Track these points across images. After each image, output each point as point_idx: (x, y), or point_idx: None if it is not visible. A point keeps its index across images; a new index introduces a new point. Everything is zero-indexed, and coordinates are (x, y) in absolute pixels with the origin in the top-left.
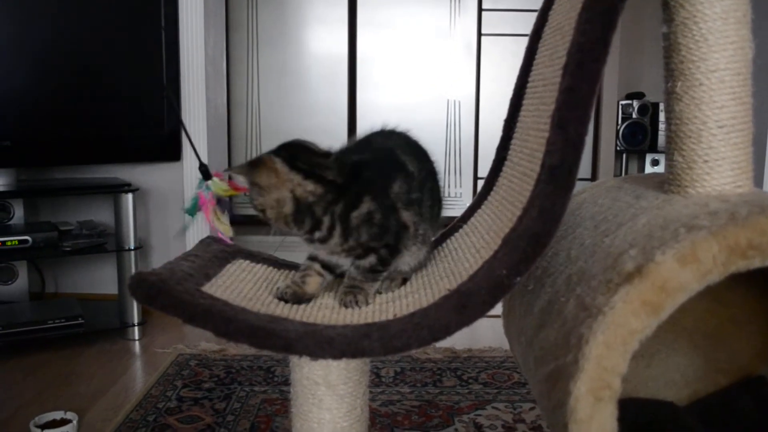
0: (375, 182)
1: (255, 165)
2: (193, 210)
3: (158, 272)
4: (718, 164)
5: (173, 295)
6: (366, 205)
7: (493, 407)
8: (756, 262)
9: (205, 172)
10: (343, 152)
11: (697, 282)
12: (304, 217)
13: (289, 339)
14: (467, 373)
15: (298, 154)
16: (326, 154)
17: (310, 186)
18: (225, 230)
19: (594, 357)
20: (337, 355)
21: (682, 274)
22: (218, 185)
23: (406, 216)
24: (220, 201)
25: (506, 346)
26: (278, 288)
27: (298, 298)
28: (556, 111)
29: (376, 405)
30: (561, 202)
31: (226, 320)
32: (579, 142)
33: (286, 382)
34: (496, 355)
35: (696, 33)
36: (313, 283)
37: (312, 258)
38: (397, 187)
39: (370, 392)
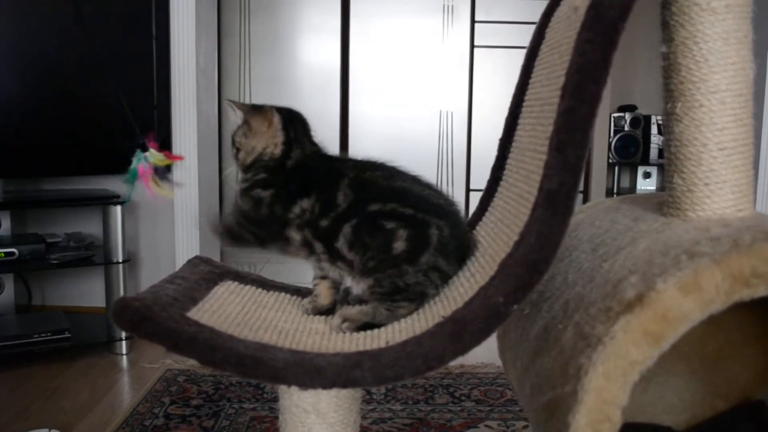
0: (290, 184)
1: (257, 109)
2: (132, 179)
3: (142, 297)
4: (719, 187)
5: (157, 322)
6: (266, 193)
7: (486, 425)
8: (760, 291)
9: (143, 146)
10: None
11: (700, 311)
12: (249, 170)
13: (277, 369)
14: (459, 389)
15: (295, 122)
16: (313, 142)
17: (277, 150)
18: (165, 194)
19: (593, 389)
20: (327, 385)
21: (684, 304)
22: (155, 156)
23: (293, 233)
24: (157, 170)
25: (499, 362)
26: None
27: (318, 310)
28: (555, 134)
29: (366, 423)
30: (559, 228)
31: (211, 349)
32: (578, 166)
33: (276, 399)
34: (489, 372)
35: (696, 53)
36: (323, 293)
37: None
38: (303, 205)
39: (361, 409)
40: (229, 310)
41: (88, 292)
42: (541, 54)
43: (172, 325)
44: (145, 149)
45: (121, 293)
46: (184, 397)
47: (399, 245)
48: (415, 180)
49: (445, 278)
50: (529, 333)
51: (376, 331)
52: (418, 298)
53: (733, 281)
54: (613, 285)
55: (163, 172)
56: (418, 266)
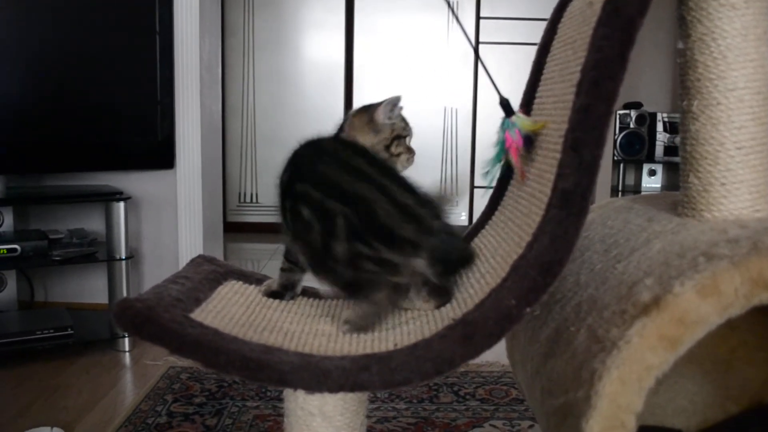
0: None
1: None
2: (500, 155)
3: (145, 298)
4: (735, 187)
5: (160, 323)
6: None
7: (491, 425)
8: None
9: (507, 108)
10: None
11: (718, 315)
12: None
13: (283, 372)
14: (464, 388)
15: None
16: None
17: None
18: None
19: (608, 394)
20: (334, 389)
21: (702, 307)
22: (524, 121)
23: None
24: (527, 139)
25: (504, 360)
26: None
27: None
28: (570, 132)
29: (371, 422)
30: (574, 228)
31: (216, 351)
32: (594, 165)
33: (279, 397)
34: (494, 370)
35: (714, 50)
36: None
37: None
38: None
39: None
40: (233, 311)
41: (90, 288)
42: (554, 50)
43: (176, 327)
44: (510, 113)
45: (124, 290)
46: (187, 394)
47: (315, 237)
48: (344, 165)
49: (384, 263)
50: (539, 335)
51: (384, 333)
52: (382, 289)
53: (752, 285)
54: (627, 287)
55: (530, 143)
56: (338, 259)
